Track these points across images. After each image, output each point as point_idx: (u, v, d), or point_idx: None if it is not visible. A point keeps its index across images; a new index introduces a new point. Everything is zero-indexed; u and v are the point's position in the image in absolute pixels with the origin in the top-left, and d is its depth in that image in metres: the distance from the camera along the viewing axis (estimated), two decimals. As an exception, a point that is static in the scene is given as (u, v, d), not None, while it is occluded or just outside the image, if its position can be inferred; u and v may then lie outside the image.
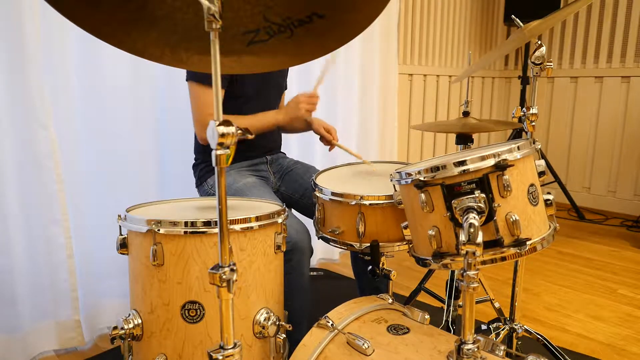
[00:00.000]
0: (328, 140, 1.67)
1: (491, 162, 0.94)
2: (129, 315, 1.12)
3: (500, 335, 1.51)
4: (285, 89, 1.91)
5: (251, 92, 1.64)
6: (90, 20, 0.72)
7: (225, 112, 1.57)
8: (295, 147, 2.44)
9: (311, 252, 1.47)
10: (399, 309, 1.19)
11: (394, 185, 1.15)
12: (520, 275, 1.52)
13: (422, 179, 0.99)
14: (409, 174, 1.03)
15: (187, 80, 1.57)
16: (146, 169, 1.95)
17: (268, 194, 1.56)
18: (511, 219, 0.95)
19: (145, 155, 1.94)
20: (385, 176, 1.48)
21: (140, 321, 1.11)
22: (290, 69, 1.96)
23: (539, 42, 1.30)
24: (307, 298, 1.46)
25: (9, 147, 1.59)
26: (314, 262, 2.69)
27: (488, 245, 0.96)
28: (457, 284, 1.54)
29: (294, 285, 1.38)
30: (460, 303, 1.53)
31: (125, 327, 1.10)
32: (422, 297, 2.01)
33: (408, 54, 3.31)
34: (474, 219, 0.88)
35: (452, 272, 1.56)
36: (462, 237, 0.86)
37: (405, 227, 1.16)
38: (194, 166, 1.75)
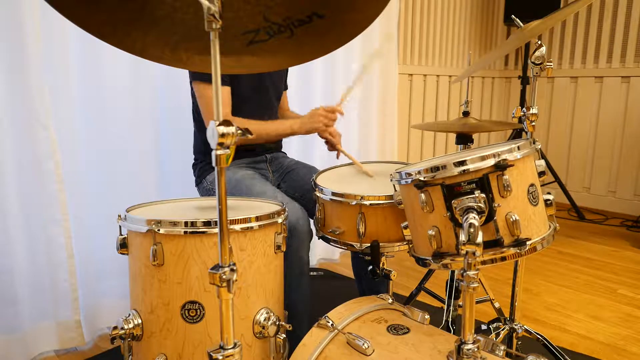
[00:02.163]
0: (333, 145, 1.67)
1: (491, 162, 0.94)
2: (129, 315, 1.12)
3: (500, 335, 1.51)
4: (286, 88, 1.91)
5: (248, 91, 1.64)
6: (90, 20, 0.72)
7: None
8: (295, 146, 2.44)
9: (310, 235, 1.46)
10: (399, 309, 1.19)
11: (394, 185, 1.16)
12: (520, 275, 1.52)
13: (422, 179, 0.99)
14: (409, 174, 1.03)
15: (191, 81, 1.57)
16: (146, 169, 1.95)
17: (267, 185, 1.57)
18: (511, 219, 0.95)
19: (145, 155, 1.94)
20: (385, 176, 1.48)
21: (140, 321, 1.11)
22: (290, 69, 1.96)
23: (539, 42, 1.30)
24: (307, 287, 1.46)
25: (9, 147, 1.59)
26: (314, 262, 2.68)
27: (488, 245, 0.96)
28: (457, 284, 1.54)
29: (293, 271, 1.37)
30: (460, 303, 1.53)
31: (125, 327, 1.10)
32: (422, 297, 2.01)
33: (408, 54, 3.31)
34: (474, 219, 0.88)
35: (452, 272, 1.56)
36: (462, 237, 0.86)
37: (405, 227, 1.16)
38: (194, 165, 1.75)
